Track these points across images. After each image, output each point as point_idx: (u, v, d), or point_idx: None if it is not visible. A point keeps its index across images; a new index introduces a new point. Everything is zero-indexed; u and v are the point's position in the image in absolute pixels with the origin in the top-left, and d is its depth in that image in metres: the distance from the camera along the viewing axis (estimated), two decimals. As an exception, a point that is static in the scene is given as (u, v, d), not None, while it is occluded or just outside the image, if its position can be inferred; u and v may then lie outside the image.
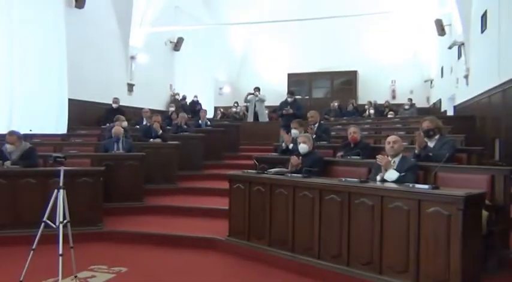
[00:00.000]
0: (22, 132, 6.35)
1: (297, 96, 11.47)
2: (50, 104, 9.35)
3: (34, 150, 6.18)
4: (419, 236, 3.48)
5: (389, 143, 4.50)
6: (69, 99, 9.77)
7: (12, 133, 6.01)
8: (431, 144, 5.08)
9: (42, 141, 7.86)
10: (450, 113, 12.40)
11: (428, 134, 5.10)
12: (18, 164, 5.81)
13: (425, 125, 5.15)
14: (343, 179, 4.22)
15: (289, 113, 8.72)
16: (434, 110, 15.37)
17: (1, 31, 8.29)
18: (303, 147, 5.28)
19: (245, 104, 14.66)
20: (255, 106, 13.36)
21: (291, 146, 6.29)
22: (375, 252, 3.77)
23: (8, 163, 5.81)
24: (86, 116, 10.73)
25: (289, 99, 9.14)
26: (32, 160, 6.00)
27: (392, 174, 4.17)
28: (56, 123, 9.45)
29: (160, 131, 8.29)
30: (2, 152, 5.97)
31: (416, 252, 3.50)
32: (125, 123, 7.59)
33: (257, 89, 13.28)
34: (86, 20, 10.65)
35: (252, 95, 13.29)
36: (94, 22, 10.98)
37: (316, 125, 7.31)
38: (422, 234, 3.47)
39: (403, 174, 4.20)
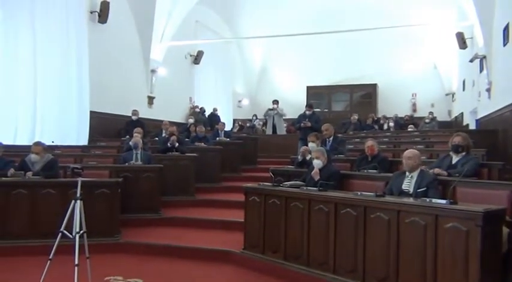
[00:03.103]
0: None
1: (316, 109, 11.49)
2: (71, 116, 9.55)
3: (56, 161, 6.32)
4: (437, 252, 3.40)
5: (404, 158, 4.46)
6: (91, 112, 9.98)
7: (38, 144, 6.20)
8: (456, 159, 5.02)
9: (63, 153, 8.00)
10: (472, 126, 12.18)
11: (457, 150, 5.02)
12: (40, 175, 5.94)
13: (457, 139, 5.05)
14: (359, 193, 4.17)
15: (307, 126, 8.71)
16: (456, 123, 15.13)
17: (25, 45, 8.53)
18: (317, 163, 5.23)
19: (264, 118, 14.80)
20: (273, 119, 13.48)
21: (308, 157, 6.27)
22: (391, 268, 3.70)
23: (29, 174, 5.94)
24: (107, 128, 10.91)
25: (307, 113, 9.15)
26: (53, 171, 6.14)
27: None
28: (78, 135, 9.62)
29: (177, 144, 8.34)
30: (24, 163, 6.12)
31: (433, 268, 3.41)
32: (139, 137, 7.66)
33: (276, 101, 13.40)
34: (108, 35, 10.91)
35: (271, 110, 13.44)
36: (116, 37, 11.23)
37: (331, 138, 7.29)
38: (440, 250, 3.39)
39: (424, 189, 4.15)
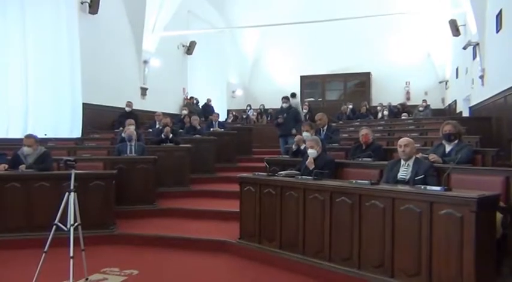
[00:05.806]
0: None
1: (295, 100, 11.01)
2: (64, 108, 9.48)
3: (49, 154, 6.26)
4: (432, 239, 3.42)
5: (400, 146, 4.43)
6: (84, 104, 9.90)
7: (29, 136, 6.13)
8: (449, 147, 5.00)
9: (56, 146, 7.95)
10: (466, 114, 12.21)
11: (449, 138, 4.99)
12: (33, 168, 5.89)
13: (448, 128, 5.01)
14: (354, 181, 4.17)
15: (282, 122, 8.62)
16: (449, 111, 15.17)
17: (16, 37, 8.43)
18: (311, 152, 5.23)
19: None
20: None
21: (303, 146, 6.26)
22: (387, 255, 3.72)
23: (22, 167, 5.89)
24: (100, 120, 10.84)
25: (284, 105, 9.01)
26: (46, 164, 6.08)
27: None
28: (71, 128, 9.57)
29: (171, 135, 8.30)
30: (17, 156, 6.06)
31: (428, 255, 3.43)
32: (132, 127, 7.63)
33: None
34: (100, 26, 10.79)
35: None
36: (107, 27, 11.11)
37: (325, 127, 7.29)
38: (435, 237, 3.41)
39: (421, 176, 4.15)
